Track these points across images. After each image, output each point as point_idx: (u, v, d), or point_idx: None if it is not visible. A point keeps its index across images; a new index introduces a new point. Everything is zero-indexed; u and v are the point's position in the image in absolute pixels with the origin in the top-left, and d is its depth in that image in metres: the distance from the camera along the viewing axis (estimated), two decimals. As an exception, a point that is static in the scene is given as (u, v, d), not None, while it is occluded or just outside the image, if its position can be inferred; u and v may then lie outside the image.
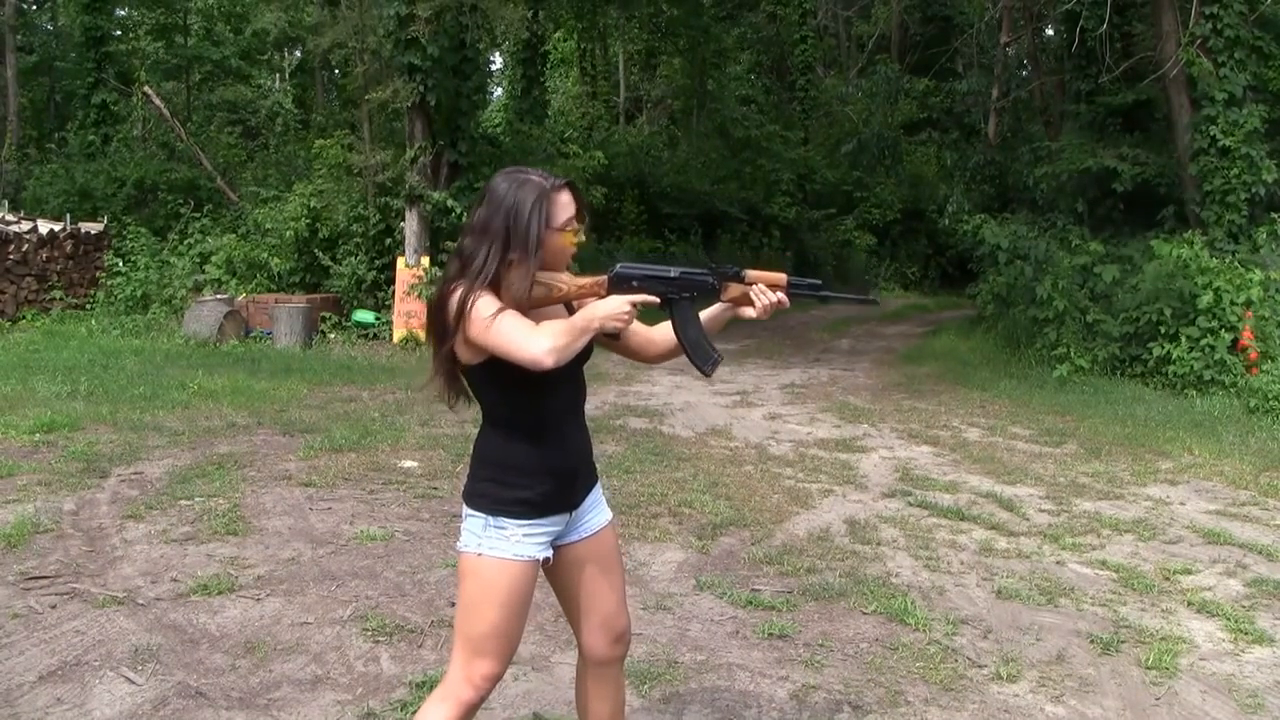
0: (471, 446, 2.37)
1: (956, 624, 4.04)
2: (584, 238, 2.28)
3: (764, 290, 2.23)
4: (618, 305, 2.15)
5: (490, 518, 2.24)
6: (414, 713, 3.14)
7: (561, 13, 24.42)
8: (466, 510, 2.29)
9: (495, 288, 2.18)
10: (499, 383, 2.22)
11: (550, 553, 2.30)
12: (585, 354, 2.31)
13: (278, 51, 28.01)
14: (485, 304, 2.15)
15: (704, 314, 2.29)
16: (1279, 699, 3.47)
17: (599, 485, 2.47)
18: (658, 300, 2.18)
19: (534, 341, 2.08)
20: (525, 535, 2.24)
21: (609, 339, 2.24)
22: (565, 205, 2.24)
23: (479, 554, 2.24)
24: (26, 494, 5.31)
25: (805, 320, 18.05)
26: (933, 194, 25.39)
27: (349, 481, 5.88)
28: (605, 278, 2.17)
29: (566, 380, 2.28)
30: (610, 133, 25.45)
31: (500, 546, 2.23)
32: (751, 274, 2.20)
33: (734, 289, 2.19)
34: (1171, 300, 10.64)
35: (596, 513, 2.42)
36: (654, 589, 4.29)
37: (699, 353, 2.23)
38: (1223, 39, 12.35)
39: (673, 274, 2.19)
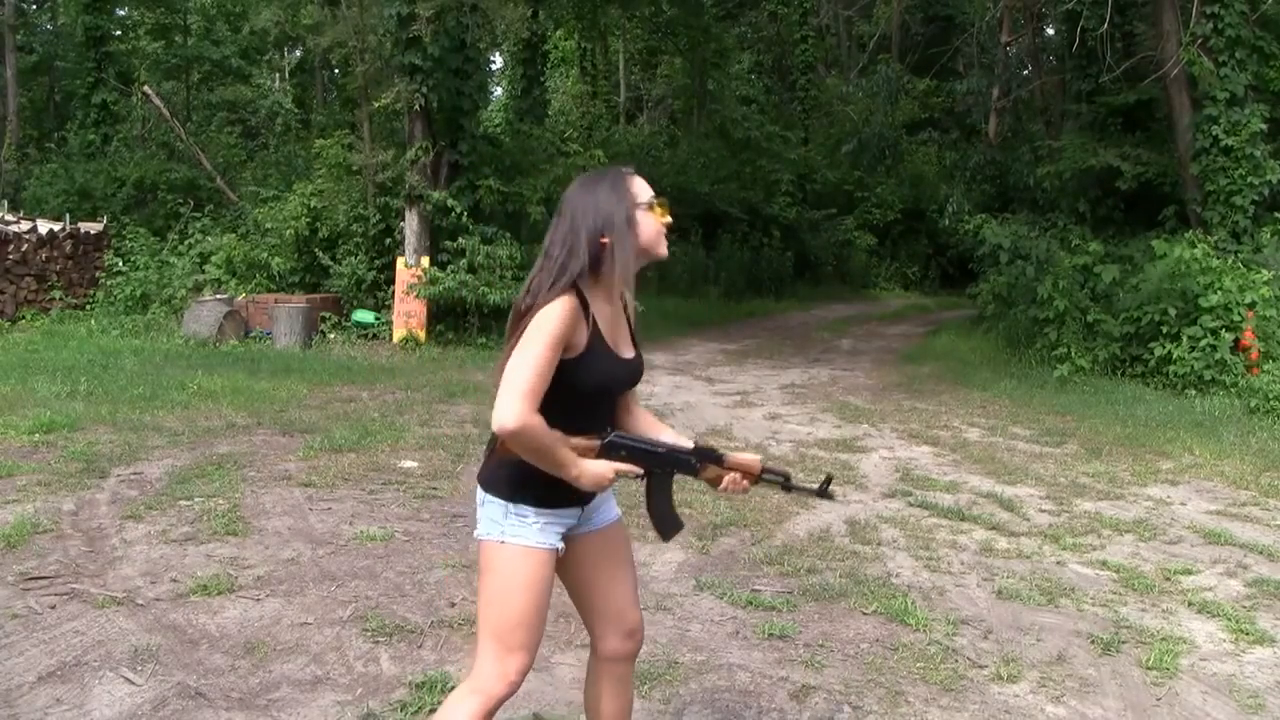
0: (487, 441, 2.36)
1: (957, 624, 4.03)
2: (670, 218, 2.37)
3: (736, 477, 2.35)
4: (602, 471, 2.22)
5: (510, 504, 2.24)
6: (414, 713, 3.15)
7: (562, 12, 24.42)
8: (485, 496, 2.28)
9: (595, 274, 2.23)
10: (555, 384, 2.19)
11: (563, 545, 2.30)
12: (637, 376, 2.37)
13: (277, 51, 28.03)
14: (552, 314, 2.15)
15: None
16: (1279, 699, 3.47)
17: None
18: (640, 471, 2.30)
19: (515, 405, 2.09)
20: (546, 523, 2.25)
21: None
22: (641, 186, 2.34)
23: (502, 541, 2.24)
24: (26, 494, 5.30)
25: (805, 320, 18.06)
26: (933, 194, 25.42)
27: (349, 481, 5.87)
28: (599, 442, 2.26)
29: (611, 396, 2.35)
30: (610, 132, 25.47)
31: (523, 534, 2.23)
32: (730, 459, 2.35)
33: (711, 470, 2.34)
34: (1174, 300, 10.64)
35: (606, 508, 2.44)
36: (654, 589, 4.29)
37: (664, 523, 2.38)
38: (1224, 39, 12.36)
39: (660, 451, 2.33)
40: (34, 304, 13.16)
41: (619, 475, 2.25)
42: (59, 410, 7.23)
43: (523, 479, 2.24)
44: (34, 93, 24.77)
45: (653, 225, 2.32)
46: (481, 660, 2.27)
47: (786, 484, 2.40)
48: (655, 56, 28.52)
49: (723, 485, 2.35)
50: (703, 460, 2.33)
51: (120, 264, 13.97)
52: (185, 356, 10.43)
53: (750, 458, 2.38)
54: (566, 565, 2.37)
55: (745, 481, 2.36)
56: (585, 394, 2.24)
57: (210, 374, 9.08)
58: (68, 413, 7.17)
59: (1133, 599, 4.38)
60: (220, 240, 14.24)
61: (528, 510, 2.23)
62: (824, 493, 2.46)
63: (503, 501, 2.25)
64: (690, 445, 2.36)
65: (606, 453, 2.26)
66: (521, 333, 2.19)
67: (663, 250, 2.36)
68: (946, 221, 20.93)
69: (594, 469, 2.21)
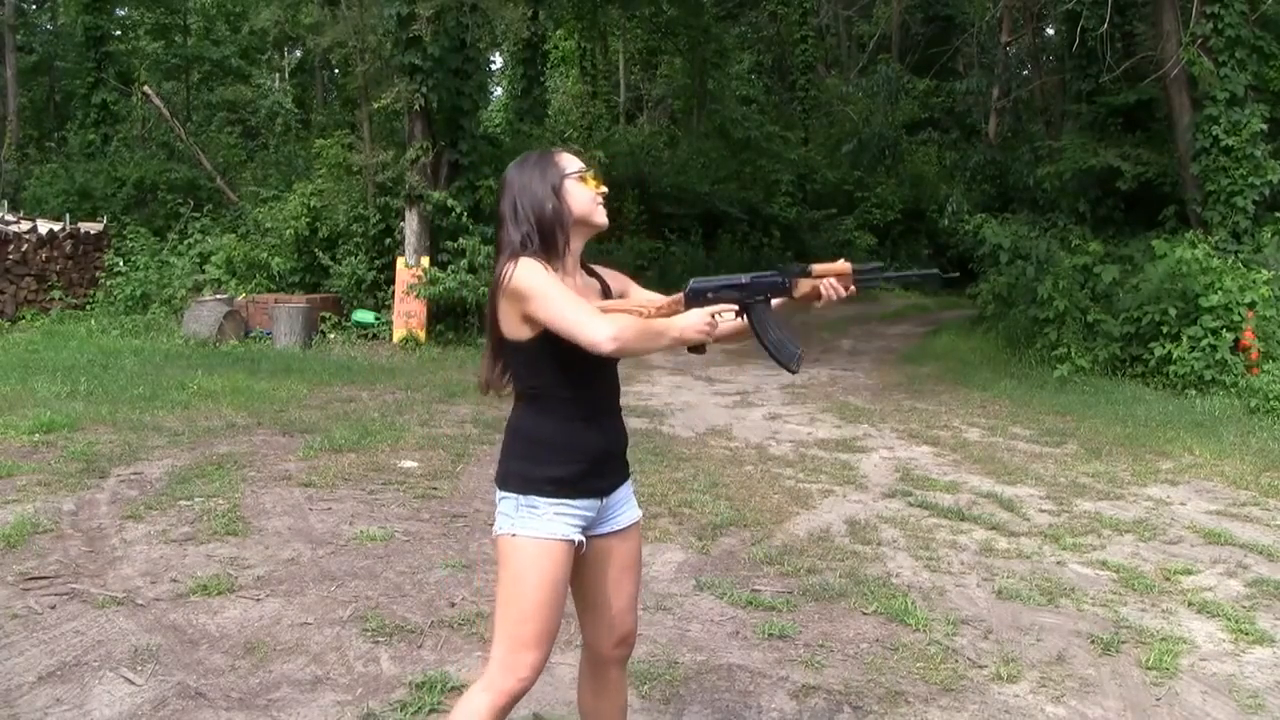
0: (504, 430, 2.36)
1: (957, 624, 4.04)
2: (605, 188, 2.37)
3: (833, 284, 2.31)
4: (699, 318, 2.22)
5: (521, 497, 2.24)
6: (414, 713, 3.15)
7: (562, 12, 24.41)
8: (499, 494, 2.29)
9: (544, 255, 2.24)
10: (551, 360, 2.21)
11: (583, 537, 2.29)
12: None
13: (277, 51, 28.03)
14: (526, 269, 2.18)
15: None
16: (1279, 699, 3.47)
17: (630, 482, 2.46)
18: (735, 308, 2.27)
19: (596, 325, 2.11)
20: (556, 514, 2.24)
21: (693, 350, 2.33)
22: (569, 159, 2.34)
23: (513, 535, 2.24)
24: (26, 494, 5.30)
25: (806, 320, 18.00)
26: (933, 194, 25.39)
27: (349, 481, 5.87)
28: (681, 295, 2.25)
29: (610, 366, 2.34)
30: (610, 132, 25.45)
31: (533, 525, 2.23)
32: (818, 268, 2.29)
33: (804, 284, 2.29)
34: (1175, 300, 10.64)
35: (627, 508, 2.42)
36: (654, 589, 4.29)
37: (783, 352, 2.32)
38: (1224, 39, 12.36)
39: (745, 280, 2.29)
40: (34, 304, 13.16)
41: (716, 318, 2.22)
42: (59, 410, 7.23)
43: (532, 472, 2.25)
44: (34, 93, 24.76)
45: (585, 194, 2.32)
46: (494, 656, 2.27)
47: (883, 274, 2.34)
48: (655, 56, 28.47)
49: (823, 298, 2.30)
50: (791, 278, 2.29)
51: (120, 264, 13.97)
52: (185, 356, 10.43)
53: (838, 263, 2.32)
54: (577, 562, 2.35)
55: (844, 286, 2.30)
56: (573, 353, 2.20)
57: (210, 374, 9.08)
58: (68, 413, 7.17)
59: (1133, 599, 4.38)
60: (220, 240, 14.24)
61: (538, 501, 2.23)
62: (929, 273, 2.44)
63: (514, 495, 2.26)
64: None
65: (692, 302, 2.26)
66: (495, 302, 2.23)
67: (600, 219, 2.36)
68: (946, 221, 20.92)
69: (688, 320, 2.22)
